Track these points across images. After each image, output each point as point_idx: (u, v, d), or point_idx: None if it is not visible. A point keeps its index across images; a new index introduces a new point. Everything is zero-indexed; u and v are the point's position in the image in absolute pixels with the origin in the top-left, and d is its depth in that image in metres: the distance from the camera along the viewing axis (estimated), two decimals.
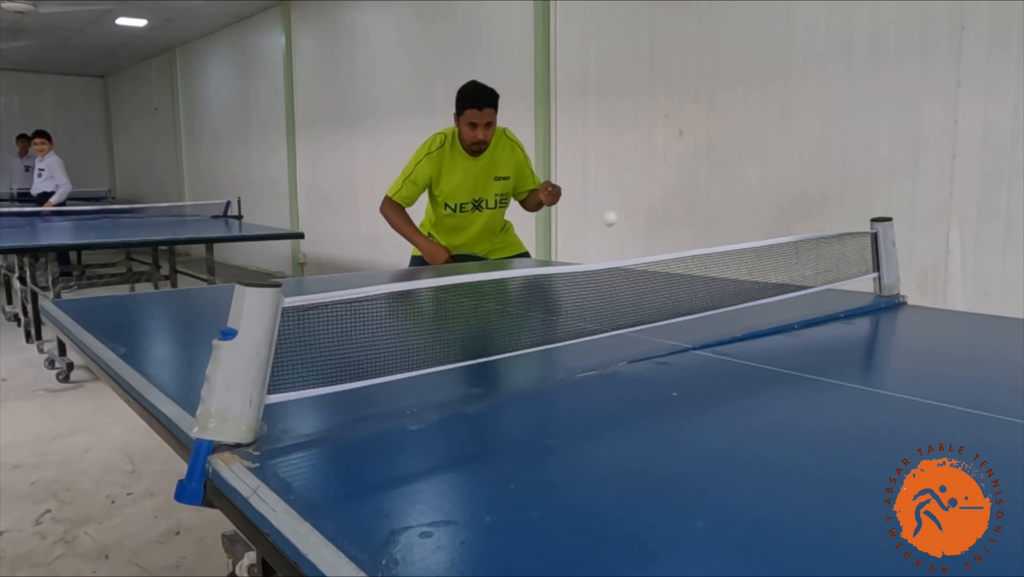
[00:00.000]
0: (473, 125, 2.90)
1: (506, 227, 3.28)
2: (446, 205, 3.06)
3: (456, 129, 2.99)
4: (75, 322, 1.67)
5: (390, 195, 3.07)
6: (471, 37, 5.90)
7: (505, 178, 3.08)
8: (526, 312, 1.29)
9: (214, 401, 0.84)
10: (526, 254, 3.34)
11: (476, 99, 2.90)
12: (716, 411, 1.09)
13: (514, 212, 3.29)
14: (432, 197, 3.11)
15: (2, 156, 11.53)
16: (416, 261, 3.21)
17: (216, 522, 1.66)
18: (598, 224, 5.14)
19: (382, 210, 3.11)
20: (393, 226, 3.12)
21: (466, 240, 3.16)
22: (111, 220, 6.97)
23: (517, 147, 3.13)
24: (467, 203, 3.06)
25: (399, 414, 1.00)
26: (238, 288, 0.86)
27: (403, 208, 3.07)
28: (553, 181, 3.03)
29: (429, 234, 3.18)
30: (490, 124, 2.93)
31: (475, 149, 2.97)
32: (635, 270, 1.40)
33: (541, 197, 2.99)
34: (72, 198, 8.84)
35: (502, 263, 3.07)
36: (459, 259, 3.14)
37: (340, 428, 0.99)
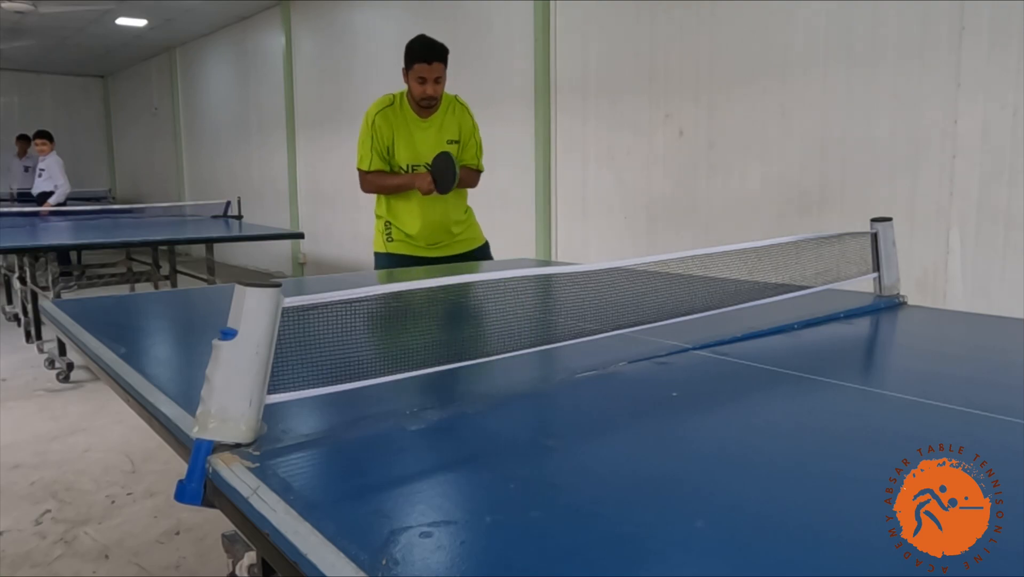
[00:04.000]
0: (422, 80, 2.81)
1: (468, 212, 3.17)
2: (399, 168, 2.96)
3: (403, 92, 2.91)
4: (75, 322, 1.67)
5: (364, 168, 2.95)
6: (471, 37, 5.90)
7: (455, 141, 2.98)
8: (526, 312, 1.29)
9: (214, 401, 0.84)
10: (486, 246, 3.21)
11: (424, 53, 2.79)
12: (716, 411, 1.09)
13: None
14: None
15: (2, 156, 11.53)
16: (381, 262, 3.08)
17: (216, 522, 1.65)
18: (598, 224, 5.14)
19: (364, 187, 3.00)
20: (382, 191, 3.00)
21: (426, 222, 2.99)
22: (111, 220, 6.97)
23: (467, 113, 3.04)
24: (419, 166, 2.93)
25: (399, 414, 1.00)
26: (238, 288, 0.86)
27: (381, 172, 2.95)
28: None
29: (387, 224, 3.05)
30: (439, 80, 2.83)
31: (424, 105, 2.87)
32: (635, 270, 1.39)
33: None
34: (72, 198, 8.86)
35: (467, 265, 2.97)
36: (427, 262, 3.03)
37: (340, 428, 0.99)
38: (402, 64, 2.86)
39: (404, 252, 3.03)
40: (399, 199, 3.00)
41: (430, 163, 2.92)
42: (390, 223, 3.05)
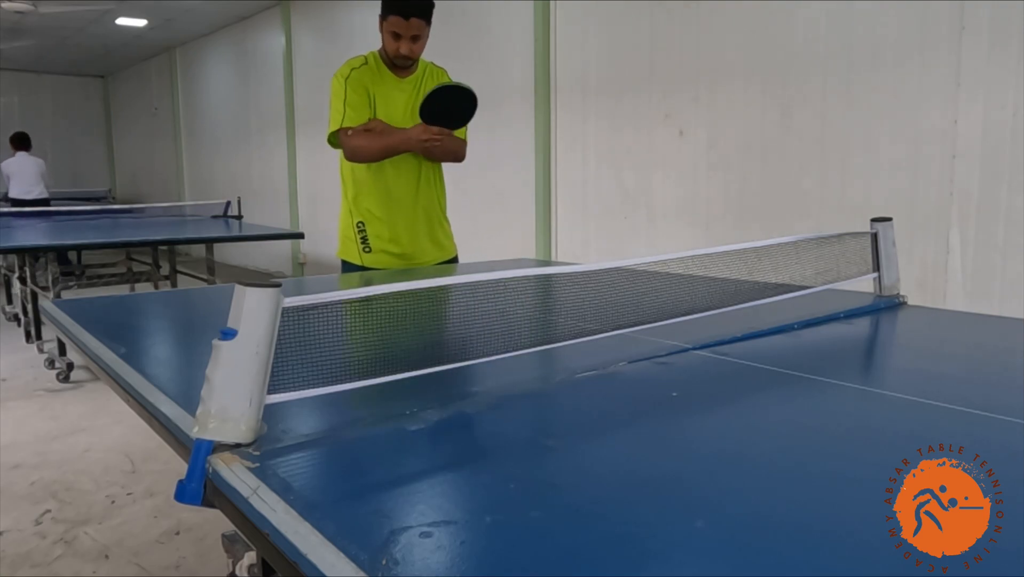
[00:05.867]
0: (396, 36, 2.43)
1: (446, 217, 2.80)
2: None
3: (374, 52, 2.57)
4: (75, 322, 1.67)
5: (342, 126, 2.47)
6: (471, 37, 5.90)
7: None
8: (526, 312, 1.29)
9: (214, 401, 0.84)
10: (456, 259, 2.85)
11: (401, 5, 2.40)
12: (716, 411, 1.09)
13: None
14: None
15: (2, 156, 11.53)
16: (347, 267, 2.71)
17: (216, 522, 1.66)
18: (598, 224, 5.14)
19: (347, 150, 2.49)
20: (371, 154, 2.49)
21: (410, 224, 2.62)
22: (111, 220, 6.98)
23: (445, 74, 2.69)
24: None
25: (399, 414, 1.00)
26: (238, 288, 0.86)
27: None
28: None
29: (360, 226, 2.62)
30: (417, 39, 2.46)
31: (399, 64, 2.52)
32: (635, 270, 1.39)
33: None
34: (72, 198, 8.92)
35: (465, 266, 2.78)
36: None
37: (340, 428, 0.99)
38: (379, 12, 2.49)
39: (385, 266, 2.63)
40: (375, 193, 2.60)
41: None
42: (364, 225, 2.62)
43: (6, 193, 8.27)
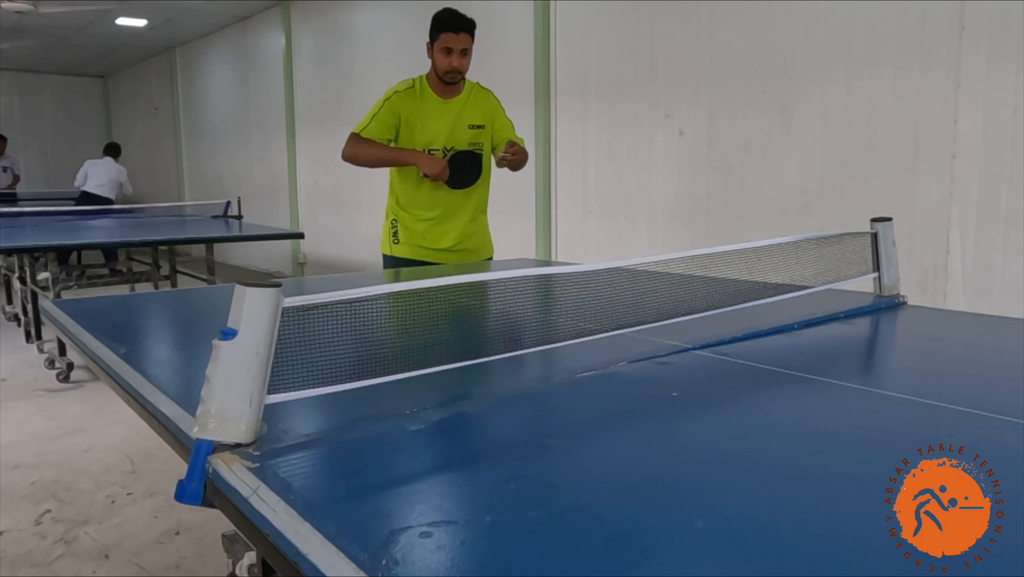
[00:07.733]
0: (448, 51, 2.70)
1: (483, 220, 3.03)
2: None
3: (422, 76, 2.82)
4: (75, 322, 1.67)
5: (357, 131, 2.78)
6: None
7: (479, 127, 2.85)
8: (526, 312, 1.29)
9: (214, 401, 0.84)
10: (490, 259, 3.07)
11: (453, 23, 2.70)
12: (716, 411, 1.09)
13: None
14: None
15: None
16: (388, 264, 2.97)
17: (216, 522, 1.66)
18: (598, 224, 5.14)
19: (347, 151, 2.79)
20: (365, 160, 2.80)
21: (438, 224, 2.88)
22: (111, 220, 6.98)
23: (491, 95, 2.94)
24: (438, 150, 2.79)
25: (399, 414, 1.00)
26: (238, 288, 0.86)
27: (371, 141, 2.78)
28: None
29: (394, 223, 2.91)
30: (466, 52, 2.73)
31: (448, 80, 2.75)
32: (635, 270, 1.39)
33: (499, 159, 2.75)
34: (72, 198, 8.96)
35: (467, 265, 2.89)
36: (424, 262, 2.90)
37: (340, 428, 0.99)
38: (426, 39, 2.76)
39: (409, 256, 2.90)
40: (412, 196, 2.87)
41: (447, 147, 2.80)
42: (396, 222, 2.93)
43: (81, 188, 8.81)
